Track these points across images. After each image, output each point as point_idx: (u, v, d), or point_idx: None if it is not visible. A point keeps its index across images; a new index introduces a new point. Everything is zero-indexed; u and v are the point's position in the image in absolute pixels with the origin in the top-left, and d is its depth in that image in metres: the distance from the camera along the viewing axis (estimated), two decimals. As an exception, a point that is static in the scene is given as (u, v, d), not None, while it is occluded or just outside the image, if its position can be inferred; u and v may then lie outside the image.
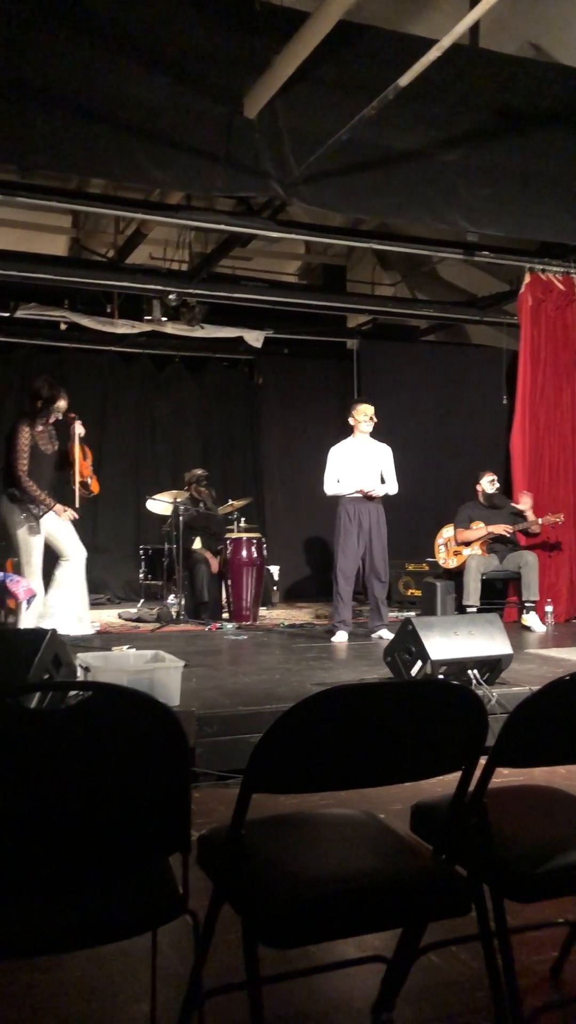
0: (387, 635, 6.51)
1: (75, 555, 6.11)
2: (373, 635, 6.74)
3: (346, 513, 6.70)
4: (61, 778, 1.52)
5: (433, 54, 4.99)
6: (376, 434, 6.98)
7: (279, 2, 6.36)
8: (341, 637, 6.70)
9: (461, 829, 1.85)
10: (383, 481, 6.77)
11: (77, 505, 6.13)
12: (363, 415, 6.84)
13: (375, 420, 6.84)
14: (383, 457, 6.85)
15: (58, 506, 5.91)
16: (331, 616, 7.05)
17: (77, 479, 5.99)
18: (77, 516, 6.05)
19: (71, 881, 1.62)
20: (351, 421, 6.91)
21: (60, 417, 6.03)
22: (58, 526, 5.99)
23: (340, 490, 6.75)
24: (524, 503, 7.56)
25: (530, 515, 7.55)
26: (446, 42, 4.90)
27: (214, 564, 8.10)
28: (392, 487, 6.79)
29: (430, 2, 7.00)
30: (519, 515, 7.59)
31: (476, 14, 4.85)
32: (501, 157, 6.91)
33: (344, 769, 1.72)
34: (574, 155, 7.17)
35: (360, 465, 6.73)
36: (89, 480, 6.16)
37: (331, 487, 6.81)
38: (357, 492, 6.67)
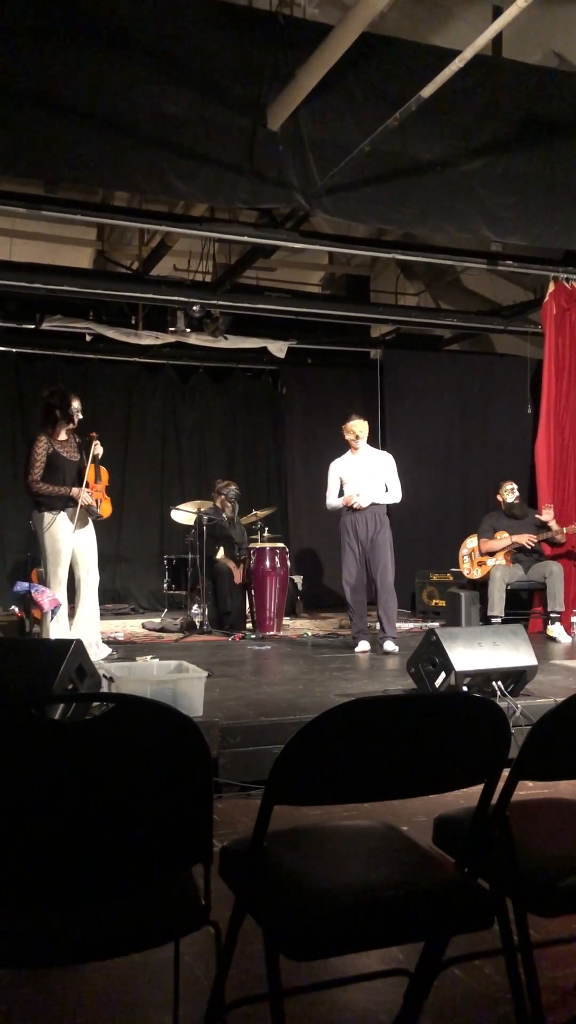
0: (391, 647, 6.50)
1: (91, 580, 6.01)
2: (383, 648, 6.60)
3: (343, 526, 6.71)
4: (84, 789, 1.53)
5: (456, 65, 5.01)
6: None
7: (302, 15, 6.41)
8: (364, 647, 6.67)
9: (484, 842, 1.84)
10: (387, 490, 6.71)
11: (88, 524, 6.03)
12: (348, 433, 6.86)
13: (360, 437, 6.81)
14: (384, 466, 6.81)
15: (75, 489, 5.82)
16: (351, 627, 7.05)
17: (82, 501, 5.87)
18: (93, 503, 5.90)
19: (94, 891, 1.63)
20: (345, 434, 6.93)
21: (79, 417, 5.98)
22: (85, 545, 5.96)
23: (333, 503, 6.82)
24: (546, 515, 7.51)
25: (554, 525, 7.50)
26: (468, 53, 4.91)
27: (237, 575, 8.11)
28: (395, 495, 6.72)
29: (453, 13, 7.01)
30: (542, 526, 7.54)
31: (499, 25, 4.86)
32: (524, 166, 6.90)
33: (365, 781, 1.72)
34: (597, 163, 7.14)
35: (358, 477, 6.72)
36: (97, 503, 6.00)
37: (328, 501, 6.88)
38: (344, 504, 6.68)
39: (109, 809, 1.56)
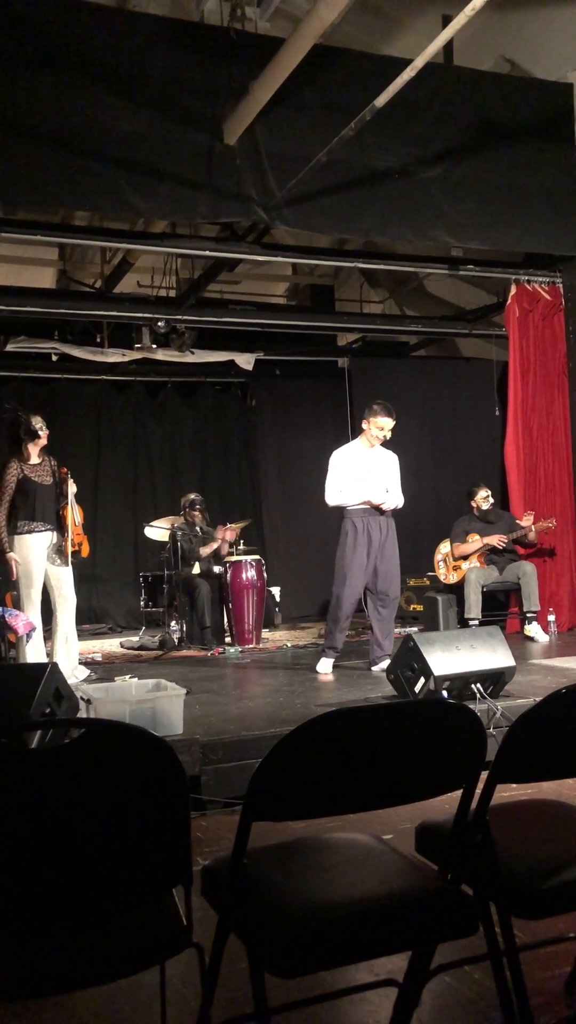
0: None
1: (66, 604, 5.94)
2: (375, 668, 5.95)
3: (353, 526, 5.95)
4: (59, 817, 1.52)
5: (408, 74, 5.05)
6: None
7: (254, 29, 6.44)
8: (326, 667, 6.08)
9: (465, 848, 1.84)
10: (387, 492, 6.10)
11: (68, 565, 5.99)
12: (378, 429, 6.06)
13: (388, 437, 6.14)
14: (390, 466, 6.17)
15: (9, 555, 5.72)
16: (325, 639, 6.32)
17: (70, 547, 5.83)
18: (14, 571, 5.86)
19: (74, 919, 1.61)
20: (364, 426, 6.17)
21: (44, 431, 5.91)
22: (60, 569, 5.92)
23: (344, 500, 6.01)
24: (527, 520, 7.54)
25: (532, 531, 7.54)
26: (419, 61, 4.95)
27: (230, 533, 8.00)
28: (397, 499, 6.08)
29: (403, 23, 7.09)
30: (520, 529, 7.57)
31: (448, 33, 4.91)
32: (482, 171, 6.97)
33: (343, 793, 1.72)
34: (553, 166, 7.23)
35: (365, 474, 6.01)
36: (78, 546, 5.93)
37: (334, 496, 6.03)
38: (363, 503, 5.98)
39: (86, 835, 1.54)
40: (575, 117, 7.34)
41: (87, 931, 1.63)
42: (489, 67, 7.28)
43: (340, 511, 6.10)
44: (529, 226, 7.17)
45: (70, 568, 5.95)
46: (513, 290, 7.82)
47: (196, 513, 8.27)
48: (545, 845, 1.99)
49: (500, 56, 7.38)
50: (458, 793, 1.86)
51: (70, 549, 5.81)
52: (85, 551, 6.03)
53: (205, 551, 8.09)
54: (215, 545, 8.13)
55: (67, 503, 5.85)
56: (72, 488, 5.94)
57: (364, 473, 6.04)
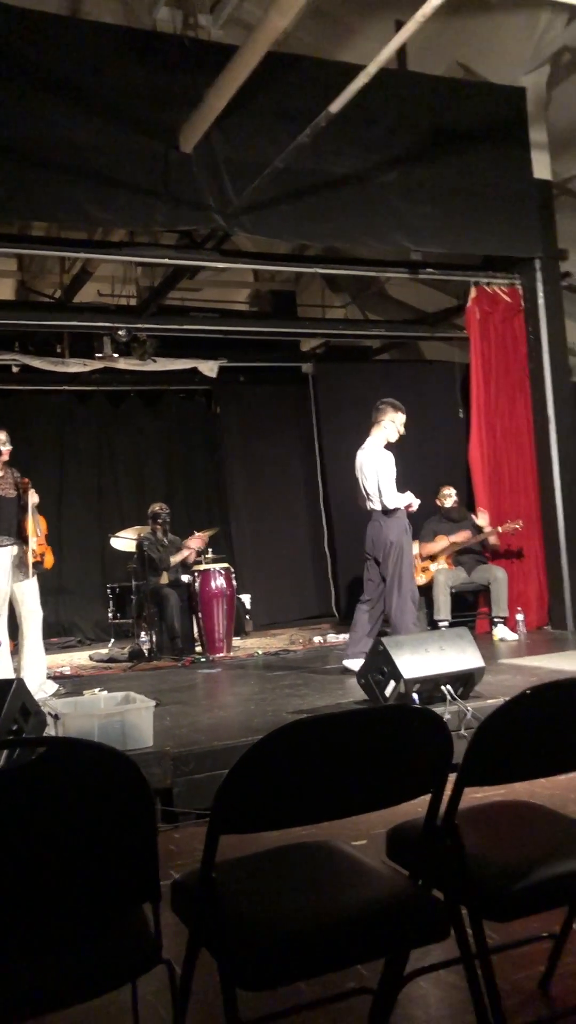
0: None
1: (32, 618, 5.89)
2: (347, 662, 6.00)
3: (406, 528, 6.01)
4: (23, 837, 1.49)
5: (362, 79, 5.07)
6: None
7: (208, 37, 6.45)
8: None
9: (435, 852, 1.83)
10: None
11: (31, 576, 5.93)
12: (401, 425, 6.19)
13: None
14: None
15: None
16: (352, 646, 6.12)
17: (31, 558, 5.76)
18: (32, 561, 5.79)
19: (41, 940, 1.59)
20: (386, 423, 6.19)
21: (8, 447, 5.85)
22: (26, 584, 5.85)
23: (402, 501, 5.98)
24: (481, 519, 7.62)
25: (488, 529, 7.62)
26: (373, 67, 4.98)
27: (200, 541, 7.97)
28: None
29: (356, 29, 7.12)
30: (479, 530, 7.65)
31: (400, 38, 4.94)
32: (438, 175, 7.02)
33: (311, 802, 1.71)
34: (508, 169, 7.30)
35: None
36: (41, 556, 5.88)
37: (398, 497, 5.97)
38: (405, 506, 5.98)
39: (51, 855, 1.52)
40: (528, 121, 7.42)
41: (55, 952, 1.60)
42: (443, 72, 7.34)
43: (392, 513, 5.97)
44: (486, 229, 7.23)
45: (34, 581, 5.88)
46: (473, 293, 7.88)
47: (158, 525, 8.22)
48: (515, 847, 1.99)
49: (454, 61, 7.44)
50: (428, 797, 1.85)
51: (31, 560, 5.73)
52: (48, 563, 5.97)
53: (175, 559, 8.05)
54: (185, 554, 8.09)
55: (27, 514, 5.78)
56: (34, 499, 5.87)
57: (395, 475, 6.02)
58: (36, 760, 1.47)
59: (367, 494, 6.10)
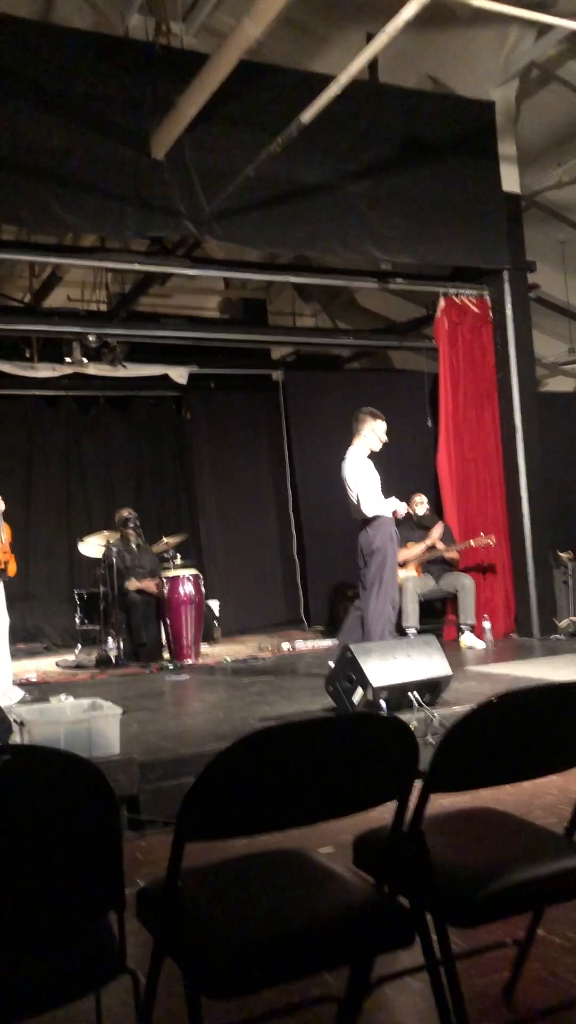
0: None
1: None
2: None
3: (392, 536, 5.95)
4: (-14, 845, 1.48)
5: (333, 90, 5.11)
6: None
7: (180, 44, 6.46)
8: None
9: (401, 859, 1.84)
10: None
11: None
12: (383, 433, 6.15)
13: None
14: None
15: None
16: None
17: None
18: None
19: (2, 948, 1.57)
20: (366, 432, 6.14)
21: None
22: None
23: (385, 509, 5.96)
24: (435, 533, 7.67)
25: (439, 545, 7.65)
26: (343, 78, 5.02)
27: (150, 586, 7.95)
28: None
29: (328, 40, 7.17)
30: (432, 547, 7.69)
31: (371, 50, 4.98)
32: (408, 186, 7.08)
33: (277, 810, 1.71)
34: (477, 181, 7.38)
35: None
36: (5, 564, 5.86)
37: (379, 505, 5.92)
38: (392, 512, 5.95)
39: (13, 863, 1.51)
40: (497, 134, 7.51)
41: (16, 961, 1.59)
42: (413, 84, 7.41)
43: (376, 520, 5.91)
44: (455, 240, 7.30)
45: (1, 587, 5.84)
46: (442, 303, 7.94)
47: (129, 531, 8.17)
48: (480, 853, 2.00)
49: (424, 73, 7.52)
50: (394, 804, 1.86)
51: None
52: (12, 570, 5.94)
53: (132, 586, 7.95)
54: (143, 585, 7.98)
55: None
56: (1, 506, 5.84)
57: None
58: (4, 767, 1.46)
59: (355, 502, 6.03)
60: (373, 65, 6.78)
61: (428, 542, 7.66)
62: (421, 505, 7.93)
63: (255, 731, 1.59)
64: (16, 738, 4.00)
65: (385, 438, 6.14)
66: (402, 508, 6.03)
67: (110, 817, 1.56)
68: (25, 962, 1.58)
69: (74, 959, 1.61)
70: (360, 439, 6.17)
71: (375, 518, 5.94)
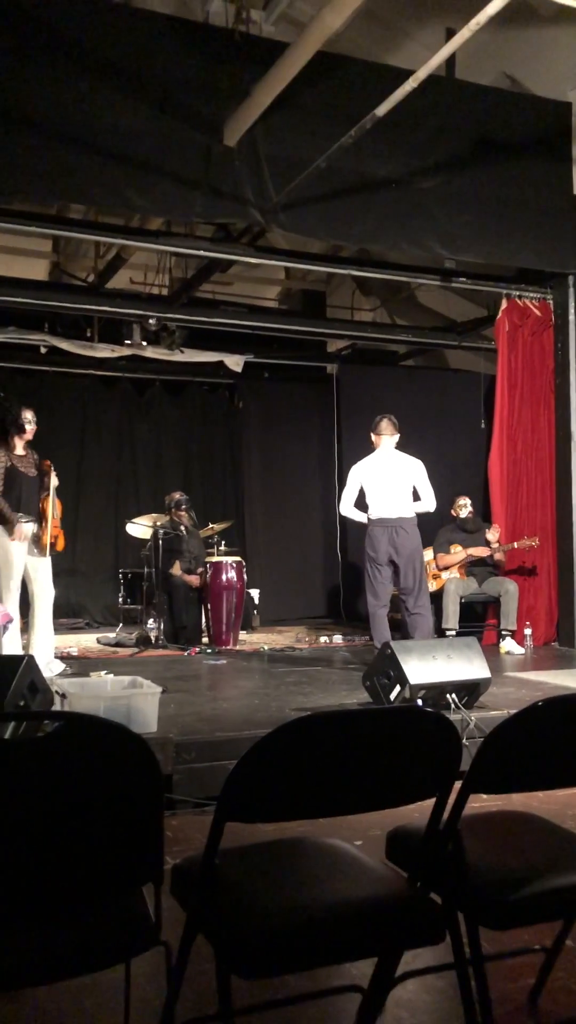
0: None
1: (44, 596, 5.95)
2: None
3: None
4: (31, 809, 1.51)
5: (409, 85, 5.07)
6: (356, 458, 6.87)
7: (259, 32, 6.46)
8: None
9: (436, 856, 1.85)
10: (417, 498, 6.41)
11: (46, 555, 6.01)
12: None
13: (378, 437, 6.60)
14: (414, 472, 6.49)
15: (18, 528, 5.74)
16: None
17: (48, 538, 5.87)
18: (26, 537, 5.89)
19: (42, 913, 1.61)
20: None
21: (32, 427, 5.93)
22: (39, 561, 5.92)
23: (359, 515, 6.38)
24: (492, 535, 7.62)
25: (495, 545, 7.61)
26: (422, 73, 4.98)
27: (193, 580, 8.03)
28: (428, 504, 6.44)
29: (407, 34, 7.12)
30: (489, 543, 7.65)
31: (452, 46, 4.94)
32: (478, 185, 7.01)
33: (318, 798, 1.72)
34: (549, 183, 7.29)
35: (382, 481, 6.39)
36: (55, 539, 5.99)
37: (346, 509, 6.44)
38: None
39: (58, 829, 1.54)
40: (573, 136, 7.40)
41: (54, 925, 1.62)
42: (489, 81, 7.33)
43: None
44: (522, 241, 7.22)
45: (48, 560, 5.95)
46: (504, 304, 7.87)
47: (182, 513, 8.24)
48: (514, 856, 2.00)
49: (501, 72, 7.43)
50: (427, 802, 1.87)
51: (48, 541, 5.82)
52: (60, 545, 6.06)
53: (176, 571, 8.03)
54: (187, 579, 8.06)
55: (47, 495, 5.87)
56: (54, 481, 5.95)
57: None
58: (55, 733, 1.49)
59: (413, 499, 6.40)
60: (450, 61, 6.71)
61: (482, 553, 7.60)
62: (464, 508, 7.86)
63: (304, 716, 1.61)
64: (56, 709, 4.07)
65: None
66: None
67: (155, 791, 1.59)
68: (64, 926, 1.61)
69: (111, 927, 1.64)
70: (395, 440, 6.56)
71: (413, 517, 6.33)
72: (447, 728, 1.75)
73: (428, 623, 6.29)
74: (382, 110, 5.30)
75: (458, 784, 1.86)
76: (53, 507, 5.93)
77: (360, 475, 6.48)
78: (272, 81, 5.58)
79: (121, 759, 1.54)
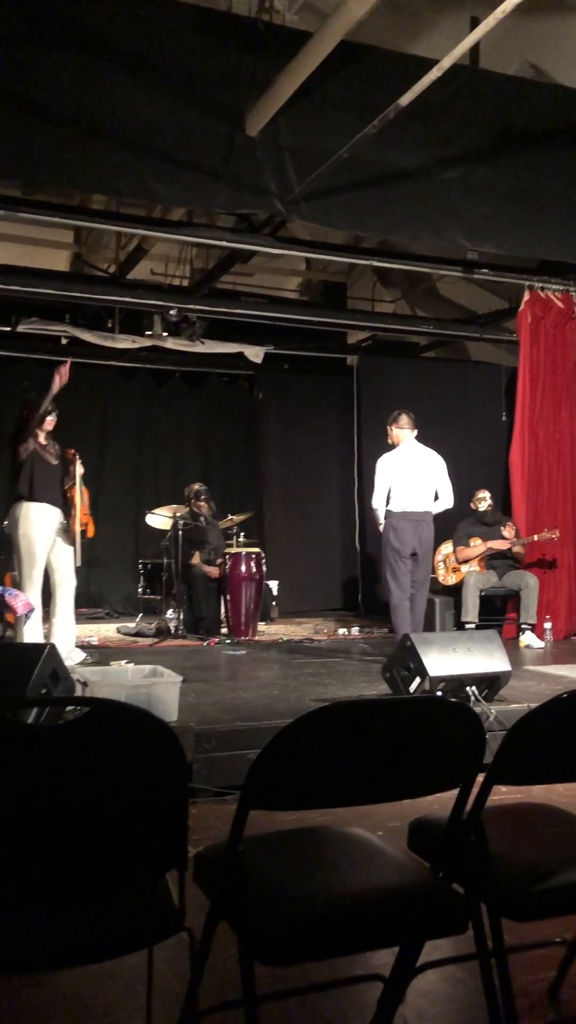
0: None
1: (66, 586, 6.01)
2: None
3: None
4: (57, 793, 1.52)
5: (433, 74, 5.04)
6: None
7: (281, 22, 6.43)
8: None
9: (458, 847, 1.84)
10: (437, 497, 6.53)
11: (78, 549, 6.06)
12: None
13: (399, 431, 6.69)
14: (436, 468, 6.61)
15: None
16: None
17: (78, 526, 5.93)
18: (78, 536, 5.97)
19: (66, 898, 1.62)
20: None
21: (53, 418, 5.98)
22: (61, 550, 5.96)
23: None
24: (508, 532, 7.59)
25: (512, 539, 7.59)
26: (446, 63, 4.95)
27: (212, 571, 8.05)
28: (447, 502, 6.56)
29: (431, 22, 7.07)
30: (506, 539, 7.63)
31: (476, 35, 4.91)
32: (501, 176, 6.96)
33: (341, 786, 1.72)
34: (572, 173, 7.22)
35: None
36: (85, 526, 6.07)
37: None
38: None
39: (82, 814, 1.55)
40: (599, 126, 7.33)
41: (79, 910, 1.64)
42: (514, 71, 7.26)
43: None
44: (546, 233, 7.16)
45: (71, 550, 5.98)
46: (526, 296, 7.82)
47: (202, 503, 8.26)
48: (537, 849, 1.99)
49: (525, 61, 7.36)
50: (448, 793, 1.87)
51: (78, 529, 5.87)
52: (91, 531, 6.13)
53: (195, 561, 8.05)
54: (207, 570, 8.07)
55: (73, 484, 5.92)
56: (80, 469, 6.00)
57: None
58: (81, 719, 1.50)
59: (435, 496, 6.54)
60: (474, 50, 6.65)
61: (502, 546, 7.58)
62: (484, 501, 7.83)
63: (328, 705, 1.61)
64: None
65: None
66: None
67: (179, 778, 1.59)
68: (88, 911, 1.62)
69: (135, 913, 1.65)
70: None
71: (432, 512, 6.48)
72: (471, 719, 1.75)
73: (420, 613, 6.55)
74: (406, 100, 5.27)
75: (480, 776, 1.86)
76: (81, 495, 5.99)
77: (389, 469, 6.53)
78: (295, 71, 5.55)
79: (146, 745, 1.55)
